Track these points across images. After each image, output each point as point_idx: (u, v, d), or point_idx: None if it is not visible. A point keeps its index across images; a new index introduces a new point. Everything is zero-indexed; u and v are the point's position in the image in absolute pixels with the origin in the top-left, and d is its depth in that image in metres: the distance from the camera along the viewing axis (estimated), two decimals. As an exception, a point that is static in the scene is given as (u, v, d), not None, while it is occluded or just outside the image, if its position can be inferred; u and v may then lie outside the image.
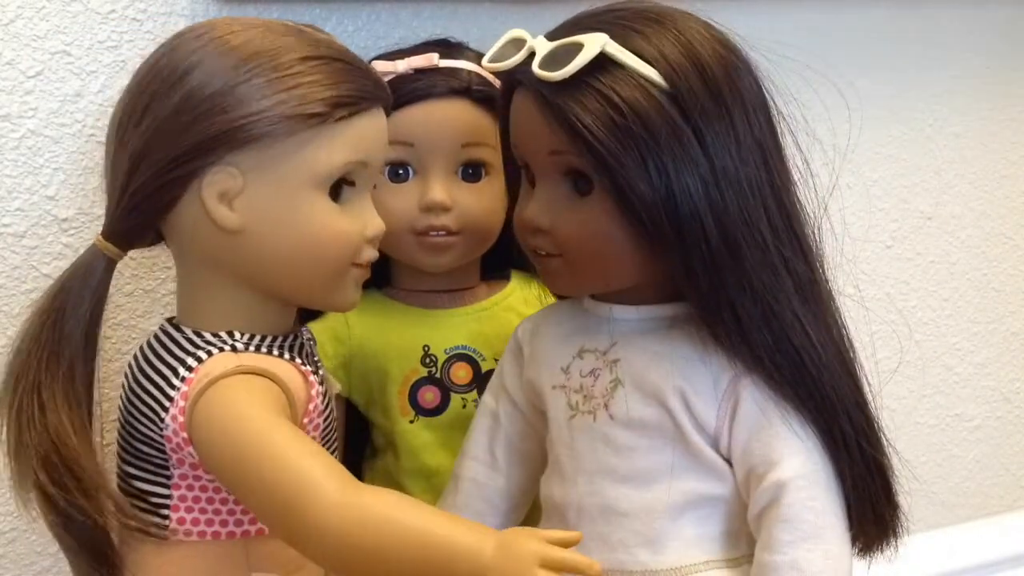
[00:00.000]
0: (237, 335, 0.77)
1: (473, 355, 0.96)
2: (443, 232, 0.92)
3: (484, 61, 0.80)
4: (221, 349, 0.75)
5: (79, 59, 0.94)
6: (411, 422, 0.95)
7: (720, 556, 0.79)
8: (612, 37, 0.73)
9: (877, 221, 1.30)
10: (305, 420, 0.76)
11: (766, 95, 0.78)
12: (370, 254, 0.79)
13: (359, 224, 0.78)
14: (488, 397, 0.91)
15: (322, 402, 0.79)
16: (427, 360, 0.95)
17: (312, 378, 0.78)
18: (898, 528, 0.81)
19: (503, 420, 0.89)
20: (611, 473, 0.80)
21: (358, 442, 1.00)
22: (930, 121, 1.31)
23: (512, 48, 0.77)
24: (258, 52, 0.74)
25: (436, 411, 0.95)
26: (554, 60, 0.73)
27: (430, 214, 0.91)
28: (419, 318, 0.96)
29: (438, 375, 0.95)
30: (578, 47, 0.72)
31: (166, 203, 0.75)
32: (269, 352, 0.77)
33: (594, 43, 0.72)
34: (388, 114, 0.80)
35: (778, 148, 0.78)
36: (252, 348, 0.76)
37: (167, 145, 0.73)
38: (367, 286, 0.83)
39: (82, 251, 0.95)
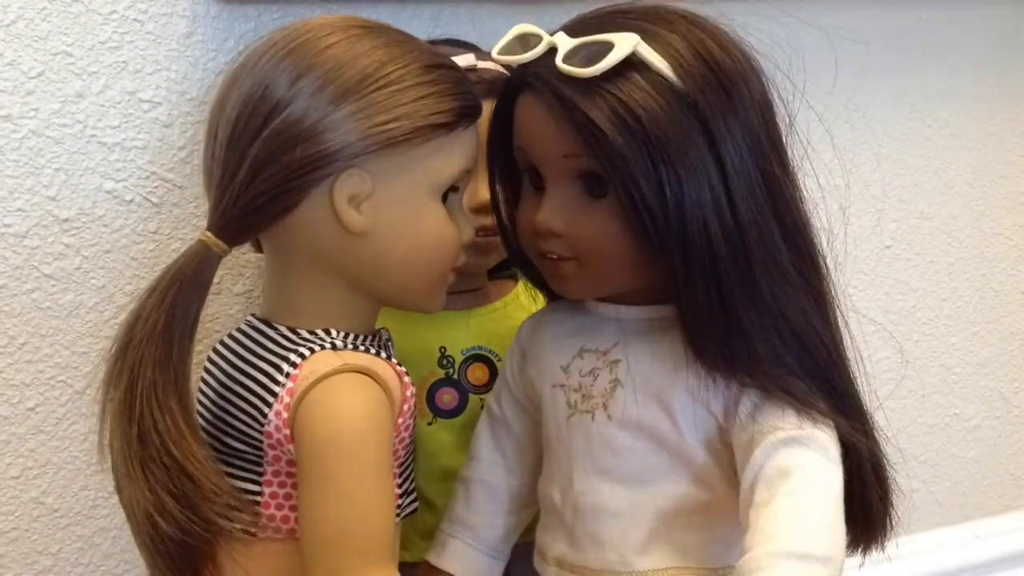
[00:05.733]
0: (334, 332, 0.77)
1: (489, 355, 0.96)
2: (491, 233, 0.90)
3: (495, 54, 0.78)
4: (322, 346, 0.76)
5: (80, 60, 0.94)
6: (429, 424, 0.95)
7: (705, 564, 0.79)
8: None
9: (877, 221, 1.30)
10: (399, 420, 0.77)
11: (773, 99, 0.77)
12: (463, 259, 0.81)
13: (459, 229, 0.80)
14: (492, 401, 0.91)
15: (414, 403, 0.80)
16: (444, 361, 0.95)
17: (407, 379, 0.78)
18: (889, 527, 0.80)
19: (511, 421, 0.90)
20: (606, 473, 0.80)
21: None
22: (930, 121, 1.31)
23: (519, 44, 0.76)
24: (387, 59, 0.74)
25: (454, 413, 0.95)
26: (581, 56, 0.72)
27: (482, 215, 0.89)
28: (434, 320, 0.95)
29: (456, 376, 0.95)
30: (608, 45, 0.71)
31: (290, 204, 0.74)
32: (367, 350, 0.77)
33: (626, 43, 0.71)
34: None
35: (786, 154, 0.77)
36: (350, 346, 0.77)
37: (298, 149, 0.72)
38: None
39: (83, 251, 0.96)
